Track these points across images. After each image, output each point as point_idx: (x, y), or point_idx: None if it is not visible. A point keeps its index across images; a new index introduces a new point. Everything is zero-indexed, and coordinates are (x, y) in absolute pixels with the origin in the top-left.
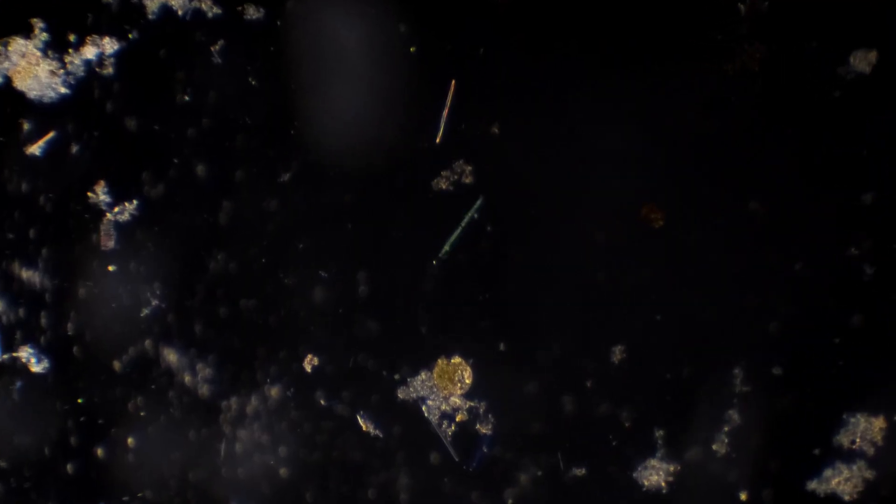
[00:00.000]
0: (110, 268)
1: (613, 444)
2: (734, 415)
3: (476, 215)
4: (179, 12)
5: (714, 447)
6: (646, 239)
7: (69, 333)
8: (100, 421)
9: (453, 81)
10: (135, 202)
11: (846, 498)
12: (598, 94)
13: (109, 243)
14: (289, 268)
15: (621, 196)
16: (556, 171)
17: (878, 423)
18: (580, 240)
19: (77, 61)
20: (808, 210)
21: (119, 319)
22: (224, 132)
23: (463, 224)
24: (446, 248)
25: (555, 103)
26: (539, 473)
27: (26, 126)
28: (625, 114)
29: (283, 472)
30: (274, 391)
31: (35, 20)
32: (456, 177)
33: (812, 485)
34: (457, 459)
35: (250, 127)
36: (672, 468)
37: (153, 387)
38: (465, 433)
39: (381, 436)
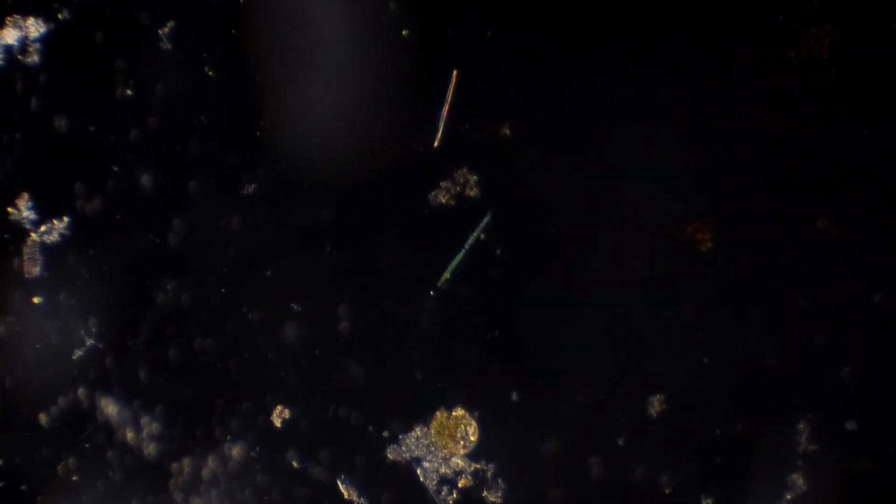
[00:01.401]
0: (35, 299)
1: None
2: (798, 479)
3: (482, 236)
4: None
5: None
6: (691, 264)
7: None
8: (23, 487)
9: (455, 72)
10: (65, 220)
11: None
12: (633, 87)
13: (34, 269)
14: (254, 300)
15: (661, 213)
16: (581, 182)
17: None
18: (611, 266)
19: None
20: (890, 229)
21: (46, 363)
22: (175, 134)
23: (467, 246)
24: (446, 275)
25: (579, 98)
26: None
27: None
28: (666, 112)
29: None
30: (236, 451)
31: None
32: (458, 188)
33: None
34: None
35: (207, 128)
36: None
37: (88, 445)
38: (470, 502)
39: None
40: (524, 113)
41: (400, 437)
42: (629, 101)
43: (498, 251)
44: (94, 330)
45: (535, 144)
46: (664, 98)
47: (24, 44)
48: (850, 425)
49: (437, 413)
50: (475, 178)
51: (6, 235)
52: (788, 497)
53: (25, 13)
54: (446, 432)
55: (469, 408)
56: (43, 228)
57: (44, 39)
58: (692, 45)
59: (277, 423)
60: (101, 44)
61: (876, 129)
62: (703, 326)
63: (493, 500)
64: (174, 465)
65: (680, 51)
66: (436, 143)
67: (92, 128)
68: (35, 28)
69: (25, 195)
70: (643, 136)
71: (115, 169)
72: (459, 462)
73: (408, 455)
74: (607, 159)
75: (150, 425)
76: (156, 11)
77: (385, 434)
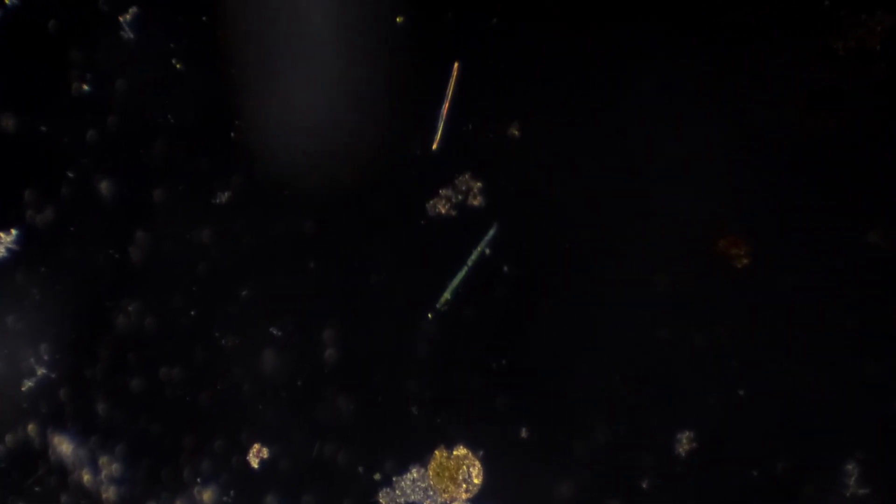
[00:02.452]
0: None
1: None
2: None
3: (487, 250)
4: None
5: None
6: (725, 283)
7: None
8: None
9: (456, 63)
10: (13, 232)
11: None
12: (659, 81)
13: None
14: (228, 323)
15: (691, 224)
16: (599, 190)
17: None
18: (633, 285)
19: None
20: None
21: None
22: (138, 135)
23: (469, 263)
24: (446, 295)
25: (597, 94)
26: None
27: None
28: (695, 110)
29: None
30: (207, 495)
31: None
32: (459, 197)
33: None
34: None
35: (174, 128)
36: None
37: (38, 489)
38: None
39: None
40: (535, 110)
41: (394, 479)
42: (654, 98)
43: (505, 268)
44: (46, 358)
45: (548, 146)
46: (693, 94)
47: None
48: None
49: (436, 452)
50: (479, 184)
51: None
52: None
53: None
54: (446, 474)
55: (472, 446)
56: None
57: None
58: (725, 35)
59: (254, 463)
60: (54, 32)
61: None
62: (738, 354)
63: None
64: None
65: (711, 40)
66: (434, 145)
67: (43, 128)
68: None
69: None
70: (670, 138)
71: (70, 175)
72: None
73: (403, 500)
74: (629, 164)
75: (110, 466)
76: None
77: (377, 476)
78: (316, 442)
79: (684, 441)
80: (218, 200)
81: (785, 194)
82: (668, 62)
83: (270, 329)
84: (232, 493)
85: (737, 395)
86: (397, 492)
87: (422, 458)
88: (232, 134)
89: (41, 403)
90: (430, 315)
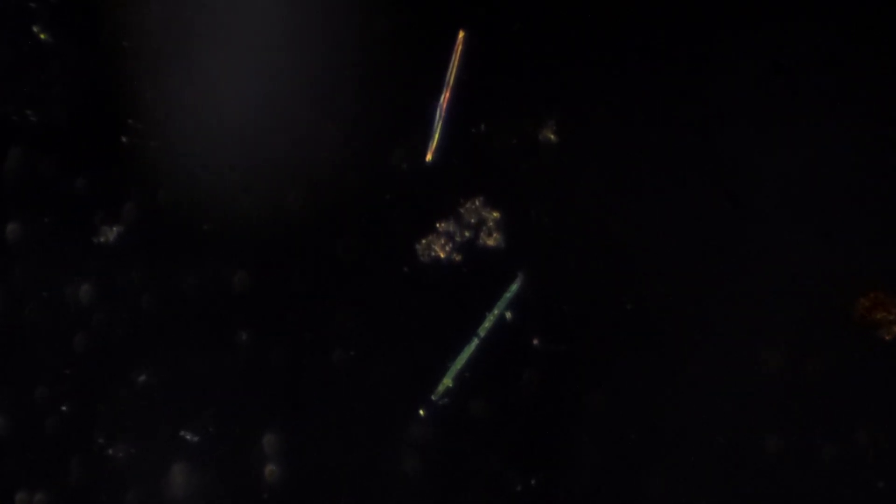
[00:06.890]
0: None
1: None
2: None
3: (508, 315)
4: None
5: None
6: (867, 362)
7: None
8: None
9: (461, 33)
10: None
11: None
12: (765, 67)
13: None
14: (118, 425)
15: (817, 278)
16: (679, 225)
17: None
18: (731, 367)
19: None
20: None
21: None
22: None
23: (481, 333)
24: (447, 382)
25: (675, 82)
26: None
27: None
28: (821, 114)
29: None
30: None
31: None
32: (466, 233)
33: None
34: None
35: (37, 130)
36: None
37: None
38: None
39: None
40: (579, 104)
41: None
42: (760, 92)
43: (535, 341)
44: None
45: (599, 159)
46: (816, 90)
47: None
48: None
49: None
50: (495, 215)
51: None
52: None
53: None
54: None
55: None
56: None
57: None
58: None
59: None
60: None
61: None
62: (886, 469)
63: None
64: None
65: (845, 18)
66: (428, 156)
67: None
68: None
69: None
70: (783, 152)
71: None
72: None
73: None
74: (724, 187)
75: None
76: None
77: None
78: None
79: None
80: (102, 238)
81: None
82: (777, 44)
83: (181, 433)
84: None
85: None
86: None
87: None
88: (123, 139)
89: None
90: (422, 412)
